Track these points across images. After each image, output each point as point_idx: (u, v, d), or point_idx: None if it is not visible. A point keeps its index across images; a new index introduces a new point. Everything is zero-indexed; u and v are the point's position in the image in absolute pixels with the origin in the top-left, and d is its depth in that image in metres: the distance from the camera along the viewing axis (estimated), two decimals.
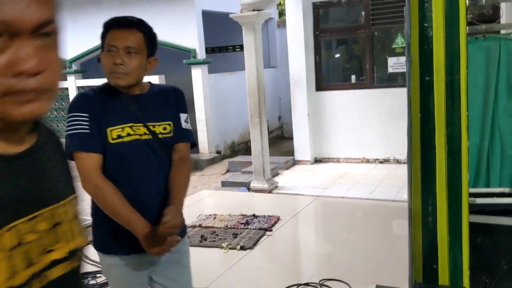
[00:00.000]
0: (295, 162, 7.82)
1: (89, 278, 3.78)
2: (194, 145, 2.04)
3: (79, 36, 9.94)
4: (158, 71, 10.05)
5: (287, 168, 7.55)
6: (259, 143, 6.26)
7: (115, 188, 1.78)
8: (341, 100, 7.67)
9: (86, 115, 1.79)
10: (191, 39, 8.63)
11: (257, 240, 4.38)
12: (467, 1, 2.04)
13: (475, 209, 2.58)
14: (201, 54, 8.64)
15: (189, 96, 9.19)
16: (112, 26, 1.83)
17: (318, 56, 7.81)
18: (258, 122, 6.22)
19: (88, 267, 4.00)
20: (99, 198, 1.80)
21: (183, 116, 1.98)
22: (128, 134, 1.83)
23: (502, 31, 3.17)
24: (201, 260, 4.04)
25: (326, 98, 7.78)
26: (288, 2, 7.63)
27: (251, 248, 4.20)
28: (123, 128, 1.83)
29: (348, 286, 3.36)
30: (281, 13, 10.95)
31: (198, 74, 8.67)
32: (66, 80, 10.43)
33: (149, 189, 1.88)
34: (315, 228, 5.15)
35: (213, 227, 4.80)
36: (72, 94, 10.22)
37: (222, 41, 11.12)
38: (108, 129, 1.81)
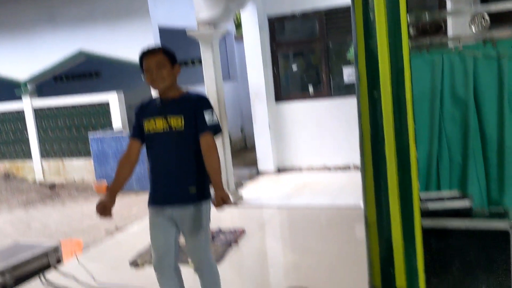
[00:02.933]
0: (258, 173, 7.90)
1: None
2: (218, 131, 2.84)
3: (34, 56, 9.74)
4: (116, 87, 9.96)
5: (251, 179, 7.62)
6: (222, 156, 6.29)
7: (123, 163, 2.91)
8: (300, 110, 7.82)
9: (136, 117, 2.93)
10: None
11: (223, 254, 4.42)
12: (408, 18, 2.16)
13: (427, 214, 2.71)
14: None
15: None
16: (143, 56, 2.82)
17: (276, 68, 7.95)
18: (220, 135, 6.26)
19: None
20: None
21: (206, 113, 2.78)
22: (154, 127, 2.81)
23: (450, 44, 3.31)
24: None
25: (286, 109, 7.92)
26: (244, 17, 7.75)
27: (218, 262, 4.22)
28: (150, 120, 2.82)
29: None
30: (239, 25, 11.07)
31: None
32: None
33: (164, 163, 2.82)
34: (281, 238, 5.23)
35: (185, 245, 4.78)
36: (28, 115, 9.98)
37: (181, 55, 11.13)
38: (145, 121, 2.84)
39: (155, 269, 2.91)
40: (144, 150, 2.93)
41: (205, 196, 2.86)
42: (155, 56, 2.78)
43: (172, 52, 2.87)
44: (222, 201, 2.68)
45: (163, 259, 2.87)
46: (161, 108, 2.80)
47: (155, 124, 2.79)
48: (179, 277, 2.96)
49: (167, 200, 2.79)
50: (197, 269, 2.95)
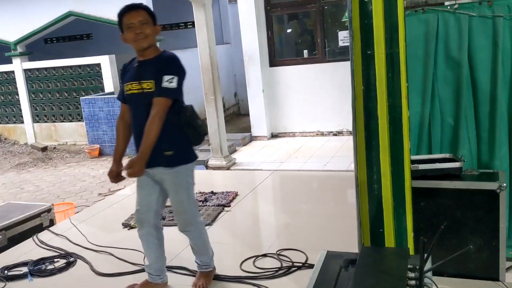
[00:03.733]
0: (252, 138, 7.90)
1: (47, 263, 3.74)
2: (174, 100, 2.75)
3: (23, 16, 9.53)
4: (108, 51, 9.82)
5: (244, 145, 7.62)
6: (215, 120, 6.27)
7: (119, 127, 3.02)
8: (294, 75, 7.76)
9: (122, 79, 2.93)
10: None
11: (216, 216, 4.45)
12: None
13: (418, 175, 2.73)
14: None
15: None
16: (125, 11, 2.72)
17: (270, 31, 7.83)
18: (213, 99, 6.22)
19: (46, 252, 3.97)
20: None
21: (165, 77, 2.69)
22: (130, 89, 2.81)
23: (446, 3, 3.26)
24: None
25: (280, 74, 7.84)
26: None
27: (210, 224, 4.26)
28: (128, 84, 2.82)
29: (304, 254, 3.49)
30: None
31: None
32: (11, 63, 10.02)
33: (137, 124, 2.83)
34: (272, 201, 5.27)
35: (171, 206, 4.81)
36: (19, 78, 9.84)
37: (174, 18, 10.93)
38: (124, 84, 2.86)
39: (136, 224, 3.08)
40: None
41: (184, 159, 2.88)
42: (139, 13, 2.70)
43: (152, 11, 2.79)
44: (128, 167, 2.73)
45: (143, 214, 3.00)
46: (137, 71, 2.77)
47: (132, 87, 2.80)
48: (158, 234, 3.07)
49: (147, 162, 2.78)
50: (182, 230, 3.05)
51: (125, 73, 2.88)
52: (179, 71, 2.75)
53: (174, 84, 2.70)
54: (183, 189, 2.94)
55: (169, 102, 2.73)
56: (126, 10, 2.71)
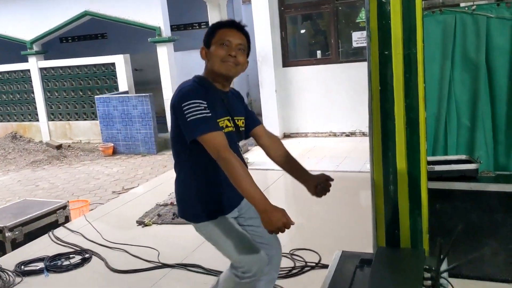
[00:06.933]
0: None
1: (63, 259, 3.79)
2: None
3: (39, 15, 9.66)
4: (123, 50, 9.90)
5: (257, 144, 7.62)
6: None
7: (242, 163, 2.03)
8: (307, 76, 7.75)
9: (205, 102, 2.03)
10: (155, 16, 8.51)
11: None
12: None
13: (434, 176, 2.72)
14: (166, 32, 8.54)
15: (155, 75, 9.12)
16: (226, 25, 2.19)
17: (284, 32, 7.84)
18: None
19: (61, 249, 4.02)
20: (232, 171, 1.99)
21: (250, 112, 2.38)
22: (227, 126, 2.17)
23: (462, 4, 3.25)
24: (175, 236, 4.10)
25: (293, 74, 7.85)
26: None
27: None
28: (223, 120, 2.16)
29: (317, 254, 3.50)
30: None
31: (163, 52, 8.58)
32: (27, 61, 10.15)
33: None
34: (285, 201, 5.27)
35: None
36: (34, 76, 9.97)
37: (188, 18, 10.99)
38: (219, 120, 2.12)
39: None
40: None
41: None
42: (241, 36, 2.19)
43: (250, 41, 2.30)
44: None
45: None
46: (227, 104, 2.22)
47: (226, 124, 2.20)
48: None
49: (234, 202, 2.36)
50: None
51: (211, 103, 2.10)
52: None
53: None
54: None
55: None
56: (229, 25, 2.20)
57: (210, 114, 2.02)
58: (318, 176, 2.29)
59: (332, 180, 2.30)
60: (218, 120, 2.10)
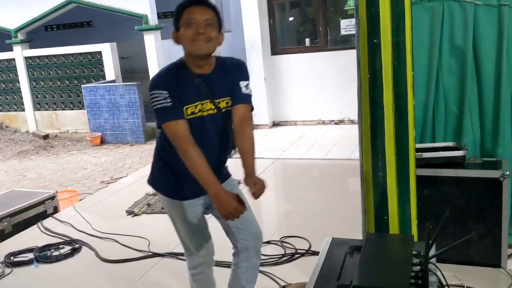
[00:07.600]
0: (254, 127, 7.90)
1: (52, 250, 3.78)
2: (252, 109, 2.29)
3: (24, 3, 9.48)
4: (109, 39, 9.79)
5: None
6: None
7: (199, 152, 2.08)
8: (296, 64, 7.74)
9: (166, 92, 2.08)
10: (142, 4, 8.41)
11: None
12: None
13: (422, 163, 2.75)
14: (153, 20, 8.45)
15: (143, 63, 9.02)
16: (190, 4, 2.13)
17: (272, 19, 7.81)
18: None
19: (51, 239, 4.00)
20: (187, 160, 2.08)
21: (243, 83, 2.25)
22: (200, 110, 2.15)
23: None
24: (165, 226, 4.09)
25: (281, 62, 7.83)
26: None
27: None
28: (196, 105, 2.14)
29: (307, 241, 3.53)
30: None
31: (151, 41, 8.49)
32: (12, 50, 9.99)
33: (212, 152, 2.26)
34: (274, 189, 5.30)
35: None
36: (19, 65, 9.82)
37: (175, 5, 10.86)
38: (184, 107, 2.12)
39: None
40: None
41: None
42: (206, 11, 2.13)
43: (220, 14, 2.23)
44: (257, 188, 2.16)
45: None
46: (204, 87, 2.17)
47: (202, 108, 2.20)
48: None
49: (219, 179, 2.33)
50: None
51: (178, 90, 2.13)
52: (248, 76, 2.33)
53: (250, 91, 2.29)
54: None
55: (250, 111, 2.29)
56: (191, 4, 2.14)
57: (170, 104, 2.07)
58: (253, 181, 2.23)
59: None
60: (187, 107, 2.12)
